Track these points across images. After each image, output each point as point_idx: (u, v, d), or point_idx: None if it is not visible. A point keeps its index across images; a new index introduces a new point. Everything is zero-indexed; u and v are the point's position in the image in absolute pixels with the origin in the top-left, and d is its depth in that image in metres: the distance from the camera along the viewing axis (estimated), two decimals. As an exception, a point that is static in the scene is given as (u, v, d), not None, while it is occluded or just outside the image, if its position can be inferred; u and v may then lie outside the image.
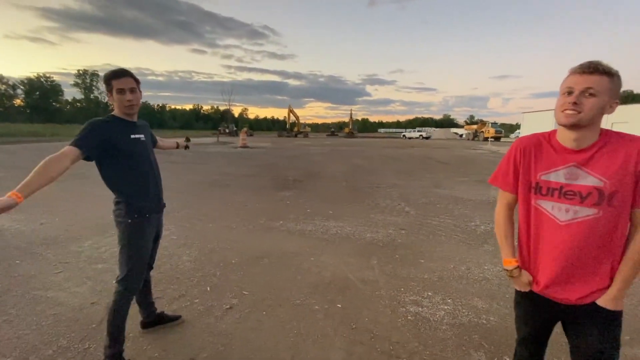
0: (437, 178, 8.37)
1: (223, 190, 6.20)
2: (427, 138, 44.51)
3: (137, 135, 1.58)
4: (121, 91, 1.49)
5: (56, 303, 2.29)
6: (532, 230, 1.15)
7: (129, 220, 1.55)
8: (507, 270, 1.22)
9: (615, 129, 1.11)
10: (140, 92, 1.58)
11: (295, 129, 51.47)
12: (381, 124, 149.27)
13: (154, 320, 1.95)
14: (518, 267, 1.20)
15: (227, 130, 49.61)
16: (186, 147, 2.31)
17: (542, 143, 1.06)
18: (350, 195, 6.06)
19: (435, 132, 53.57)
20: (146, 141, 1.65)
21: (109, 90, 1.50)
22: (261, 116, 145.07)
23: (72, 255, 3.15)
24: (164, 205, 1.75)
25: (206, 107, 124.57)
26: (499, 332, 2.06)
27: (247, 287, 2.64)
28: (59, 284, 2.57)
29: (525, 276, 1.18)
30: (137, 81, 1.55)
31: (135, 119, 1.61)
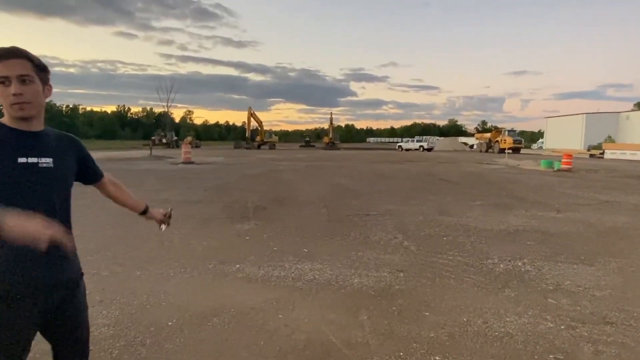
0: (442, 202, 8.62)
1: (156, 223, 6.09)
2: (429, 150, 46.07)
3: (31, 160, 1.39)
4: (4, 81, 1.34)
5: None
6: None
7: None
8: None
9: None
10: (48, 85, 1.45)
11: (258, 138, 51.75)
12: (370, 132, 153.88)
13: None
14: None
15: (164, 141, 48.99)
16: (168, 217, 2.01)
17: None
18: (331, 227, 6.13)
19: (439, 142, 55.90)
20: (55, 170, 1.44)
21: None
22: (211, 121, 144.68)
23: None
24: (75, 274, 1.55)
25: (135, 109, 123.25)
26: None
27: (190, 359, 2.55)
28: None
29: None
30: (37, 66, 1.40)
31: (36, 126, 1.43)
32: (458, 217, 7.00)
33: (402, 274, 4.06)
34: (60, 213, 1.45)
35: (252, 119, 50.01)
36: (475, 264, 4.43)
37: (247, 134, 50.57)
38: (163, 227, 1.96)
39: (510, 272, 4.17)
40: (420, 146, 47.09)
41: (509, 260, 4.56)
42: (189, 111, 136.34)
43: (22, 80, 1.35)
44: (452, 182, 12.54)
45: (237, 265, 4.28)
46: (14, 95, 1.33)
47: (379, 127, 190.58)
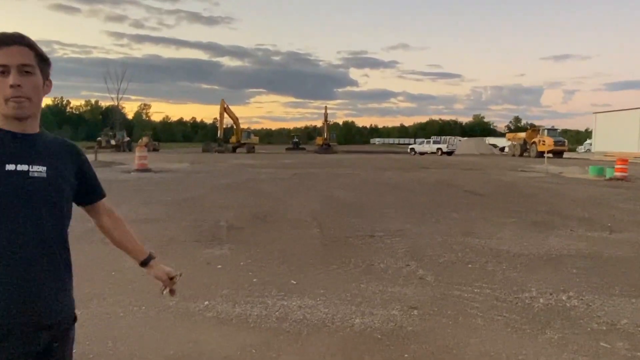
0: (467, 219, 8.73)
1: (102, 247, 5.97)
2: (448, 153, 46.48)
3: (20, 167, 1.44)
4: (3, 70, 1.42)
5: None
6: None
7: None
8: None
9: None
10: (48, 80, 1.54)
11: (233, 138, 51.92)
12: (375, 131, 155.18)
13: None
14: None
15: (113, 142, 48.99)
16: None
17: None
18: (326, 252, 6.17)
19: (462, 144, 56.49)
20: (48, 181, 1.49)
21: None
22: (174, 117, 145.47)
23: None
24: (69, 314, 1.59)
25: (77, 103, 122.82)
26: None
27: None
28: None
29: None
30: (40, 56, 1.50)
31: (30, 128, 1.50)
32: (486, 238, 7.06)
33: (416, 312, 4.08)
34: (53, 235, 1.49)
35: (225, 115, 50.17)
36: (508, 298, 4.45)
37: (219, 134, 50.71)
38: (165, 292, 1.86)
39: (552, 309, 4.19)
40: (438, 149, 47.63)
41: (551, 294, 4.58)
42: (146, 105, 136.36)
43: (23, 71, 1.43)
44: (479, 195, 12.65)
45: (206, 302, 4.26)
46: (11, 87, 1.39)
47: (386, 124, 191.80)
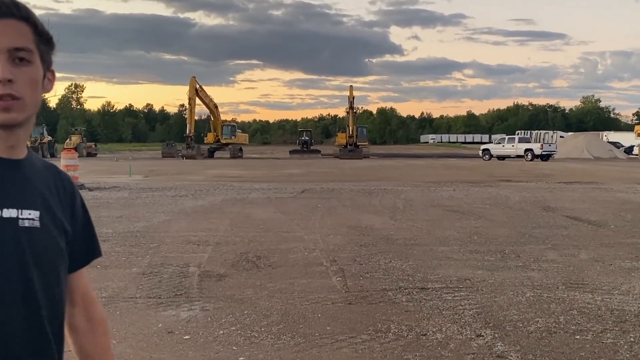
0: (571, 262, 8.66)
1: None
2: (544, 157, 46.53)
3: (7, 213, 1.47)
4: None
5: None
6: None
7: None
8: None
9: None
10: (50, 72, 1.58)
11: (210, 136, 51.79)
12: (428, 123, 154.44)
13: None
14: None
15: (27, 143, 49.13)
16: None
17: None
18: (351, 314, 6.12)
19: (565, 143, 55.95)
20: (43, 233, 1.54)
21: None
22: (120, 104, 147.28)
23: None
24: None
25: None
26: None
27: None
28: None
29: None
30: (40, 35, 1.53)
31: (20, 147, 1.55)
32: (603, 292, 6.96)
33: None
34: (47, 311, 1.53)
35: (198, 101, 50.25)
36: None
37: (189, 130, 50.46)
38: None
39: None
40: (527, 151, 47.44)
41: None
42: (77, 86, 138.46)
43: (16, 57, 1.45)
44: (591, 223, 12.50)
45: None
46: None
47: (445, 113, 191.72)
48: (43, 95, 1.52)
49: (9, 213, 1.44)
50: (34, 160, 1.58)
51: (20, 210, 1.46)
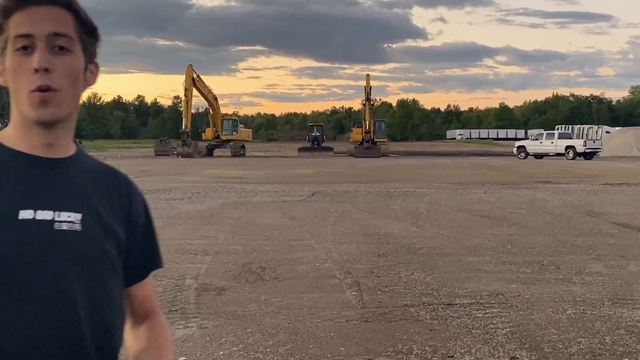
0: (619, 275, 8.44)
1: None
2: (587, 155, 46.51)
3: (41, 215, 1.48)
4: (26, 45, 1.47)
5: None
6: None
7: None
8: None
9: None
10: (94, 64, 1.59)
11: (209, 132, 52.77)
12: (456, 117, 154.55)
13: None
14: None
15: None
16: None
17: None
18: (368, 333, 6.10)
19: (612, 140, 56.16)
20: (84, 238, 1.53)
21: None
22: (107, 96, 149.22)
23: None
24: None
25: None
26: None
27: None
28: None
29: None
30: (83, 24, 1.54)
31: (61, 146, 1.57)
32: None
33: None
34: (89, 322, 1.54)
35: (195, 92, 50.67)
36: None
37: (185, 125, 50.56)
38: None
39: None
40: (568, 148, 47.25)
41: None
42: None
43: (55, 45, 1.48)
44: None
45: None
46: (35, 71, 1.45)
47: (475, 105, 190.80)
48: (85, 89, 1.57)
49: (42, 215, 1.50)
50: (84, 161, 1.65)
51: (57, 213, 1.51)
